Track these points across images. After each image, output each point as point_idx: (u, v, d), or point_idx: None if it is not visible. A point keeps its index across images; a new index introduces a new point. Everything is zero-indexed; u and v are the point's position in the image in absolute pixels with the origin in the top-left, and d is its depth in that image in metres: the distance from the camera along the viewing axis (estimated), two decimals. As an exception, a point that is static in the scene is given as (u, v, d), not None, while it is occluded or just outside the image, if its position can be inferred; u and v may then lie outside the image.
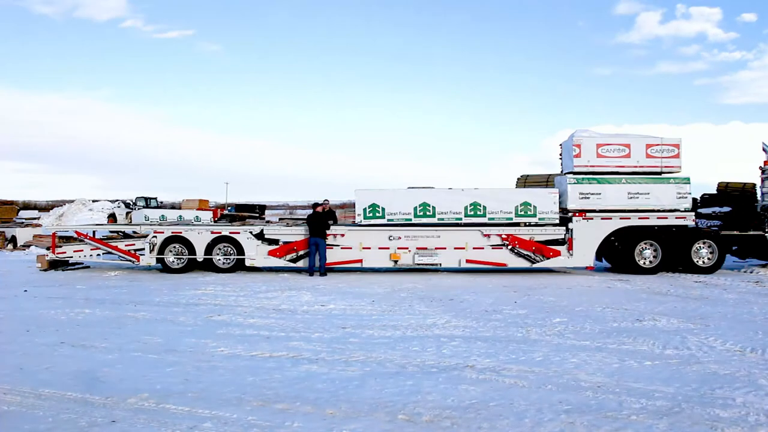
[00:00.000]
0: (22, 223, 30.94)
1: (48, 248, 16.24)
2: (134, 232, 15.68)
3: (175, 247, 14.52)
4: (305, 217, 15.12)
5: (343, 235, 14.35)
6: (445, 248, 14.23)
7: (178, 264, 14.51)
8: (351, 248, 14.31)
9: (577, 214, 14.19)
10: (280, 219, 21.76)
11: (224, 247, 14.50)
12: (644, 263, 14.26)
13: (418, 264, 14.10)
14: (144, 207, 37.90)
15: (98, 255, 14.98)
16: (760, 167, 15.36)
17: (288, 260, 14.39)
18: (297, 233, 14.50)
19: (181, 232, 14.59)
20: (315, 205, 14.33)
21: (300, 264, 14.40)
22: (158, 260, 14.48)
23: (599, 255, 14.74)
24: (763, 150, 15.45)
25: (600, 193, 14.19)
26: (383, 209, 14.32)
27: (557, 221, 14.27)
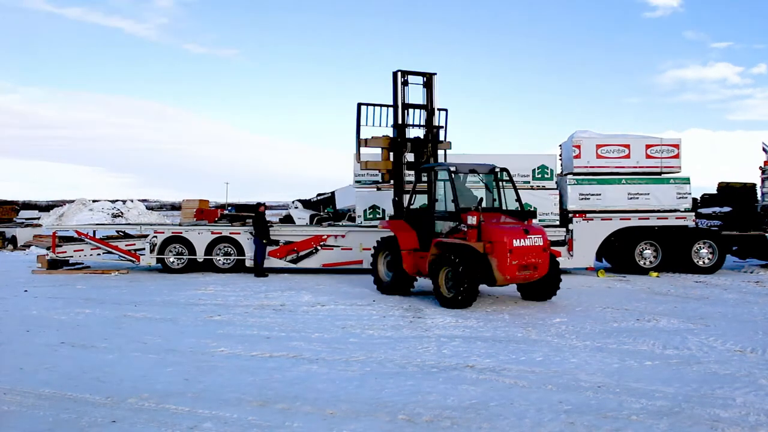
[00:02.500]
0: (22, 223, 30.93)
1: (48, 248, 16.24)
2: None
3: (175, 247, 14.51)
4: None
5: (343, 236, 14.35)
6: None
7: (178, 264, 14.51)
8: (351, 249, 14.31)
9: (577, 215, 14.19)
10: (280, 219, 21.76)
11: (224, 247, 14.50)
12: (644, 263, 14.27)
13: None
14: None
15: (98, 255, 14.99)
16: (760, 167, 15.37)
17: (288, 261, 14.38)
18: (298, 234, 14.51)
19: (181, 232, 14.59)
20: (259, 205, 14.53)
21: (301, 264, 14.38)
22: (158, 260, 14.48)
23: (599, 255, 14.73)
24: (763, 150, 15.46)
25: (600, 194, 14.19)
26: (383, 210, 14.31)
27: (557, 222, 14.27)
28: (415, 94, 12.02)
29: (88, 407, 4.75)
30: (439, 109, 12.28)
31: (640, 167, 14.24)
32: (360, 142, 12.14)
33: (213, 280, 12.92)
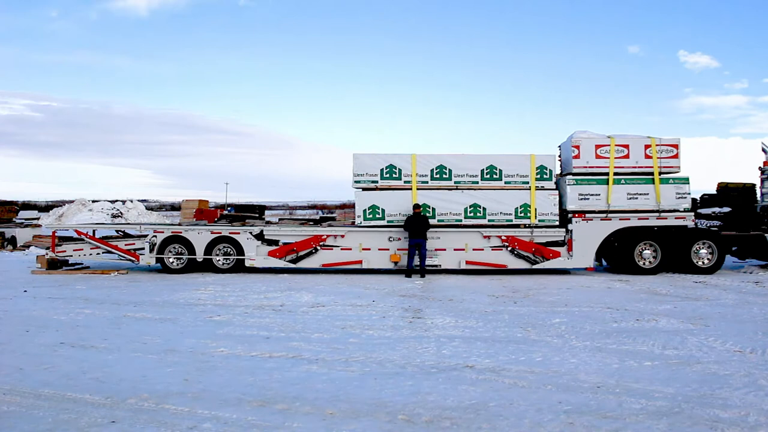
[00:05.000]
0: (22, 223, 30.90)
1: (48, 248, 16.24)
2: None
3: (174, 247, 14.52)
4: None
5: (343, 236, 14.35)
6: (444, 249, 14.24)
7: (177, 264, 14.51)
8: (351, 249, 14.32)
9: (576, 215, 14.20)
10: (280, 219, 21.75)
11: (224, 247, 14.51)
12: (644, 264, 14.28)
13: (418, 265, 14.10)
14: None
15: (98, 254, 15.00)
16: (760, 167, 15.38)
17: (288, 261, 14.38)
18: (297, 234, 14.51)
19: (180, 232, 14.60)
20: (416, 207, 13.94)
21: (300, 265, 14.39)
22: (158, 260, 14.48)
23: (599, 256, 14.74)
24: (763, 151, 15.47)
25: (599, 194, 14.20)
26: (383, 210, 14.32)
27: (557, 222, 14.29)
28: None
29: (88, 407, 4.75)
30: None
31: (639, 167, 14.25)
32: None
33: (212, 281, 12.92)
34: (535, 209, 14.26)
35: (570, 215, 14.23)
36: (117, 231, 16.49)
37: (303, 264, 14.40)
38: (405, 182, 14.43)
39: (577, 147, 14.23)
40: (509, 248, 14.21)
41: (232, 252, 14.49)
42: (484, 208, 14.27)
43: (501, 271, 14.40)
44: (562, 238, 14.27)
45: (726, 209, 15.27)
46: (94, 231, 15.37)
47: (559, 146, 15.65)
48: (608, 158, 14.22)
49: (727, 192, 15.64)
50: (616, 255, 14.62)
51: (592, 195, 14.22)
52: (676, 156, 14.31)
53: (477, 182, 14.45)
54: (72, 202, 45.29)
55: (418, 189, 14.41)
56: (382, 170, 14.44)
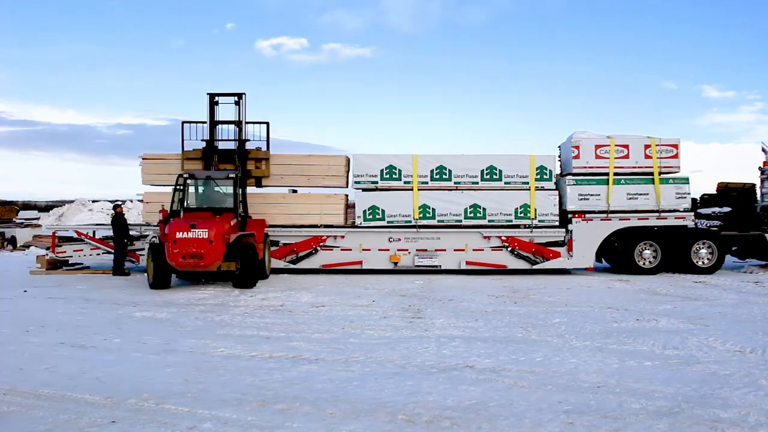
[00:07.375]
0: (22, 223, 30.91)
1: (48, 248, 16.22)
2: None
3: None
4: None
5: (343, 237, 14.35)
6: (445, 250, 14.24)
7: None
8: (351, 250, 14.32)
9: (576, 215, 14.20)
10: None
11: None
12: (644, 264, 14.28)
13: (418, 266, 14.10)
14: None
15: (98, 254, 14.98)
16: (760, 167, 15.38)
17: (288, 261, 14.38)
18: (297, 234, 14.50)
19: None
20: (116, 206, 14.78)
21: (301, 265, 14.38)
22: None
23: (599, 256, 14.74)
24: (763, 151, 15.48)
25: (599, 194, 14.20)
26: (383, 211, 14.31)
27: (557, 223, 14.28)
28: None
29: (88, 408, 4.75)
30: (259, 123, 14.59)
31: (639, 167, 14.24)
32: (183, 155, 14.37)
33: (213, 281, 12.91)
34: (535, 209, 14.26)
35: (570, 215, 14.22)
36: None
37: (303, 264, 14.39)
38: (405, 183, 14.43)
39: (577, 147, 14.23)
40: (509, 248, 14.21)
41: (232, 252, 14.45)
42: (484, 209, 14.27)
43: (501, 271, 14.39)
44: (562, 239, 14.26)
45: (726, 209, 15.27)
46: (94, 231, 15.35)
47: (559, 146, 15.64)
48: (608, 158, 14.22)
49: (727, 192, 15.63)
50: (616, 255, 14.61)
51: (592, 195, 14.22)
52: (675, 156, 14.31)
53: (477, 183, 14.46)
54: (72, 202, 45.22)
55: (418, 189, 14.41)
56: (382, 171, 14.43)
